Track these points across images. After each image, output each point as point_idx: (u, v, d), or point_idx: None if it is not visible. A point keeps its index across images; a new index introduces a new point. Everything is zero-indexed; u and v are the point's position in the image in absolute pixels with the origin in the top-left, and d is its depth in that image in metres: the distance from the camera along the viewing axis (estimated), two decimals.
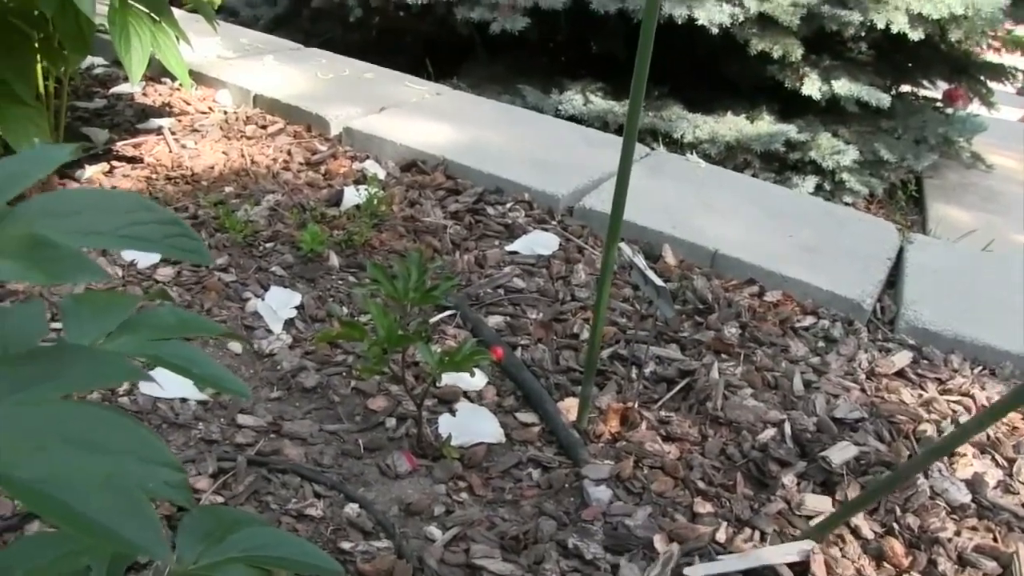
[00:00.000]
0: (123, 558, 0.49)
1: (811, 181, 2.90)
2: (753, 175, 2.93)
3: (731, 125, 2.88)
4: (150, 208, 0.41)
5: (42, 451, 0.33)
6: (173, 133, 1.79)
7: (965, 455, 1.05)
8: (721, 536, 0.87)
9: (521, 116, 1.99)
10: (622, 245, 1.15)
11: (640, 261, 1.04)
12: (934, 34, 2.67)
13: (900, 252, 1.54)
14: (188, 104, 1.97)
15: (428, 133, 1.75)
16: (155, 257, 1.29)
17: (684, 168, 1.80)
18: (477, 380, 1.11)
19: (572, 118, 2.79)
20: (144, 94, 2.02)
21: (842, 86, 2.81)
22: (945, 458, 1.04)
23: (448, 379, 1.10)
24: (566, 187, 1.56)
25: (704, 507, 0.91)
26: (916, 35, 2.65)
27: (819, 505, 0.92)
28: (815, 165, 2.90)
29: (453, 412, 1.06)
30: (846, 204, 2.88)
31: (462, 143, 1.71)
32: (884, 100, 2.79)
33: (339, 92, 1.97)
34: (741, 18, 2.70)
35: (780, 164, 2.95)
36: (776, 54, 2.78)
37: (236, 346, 1.13)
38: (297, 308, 1.21)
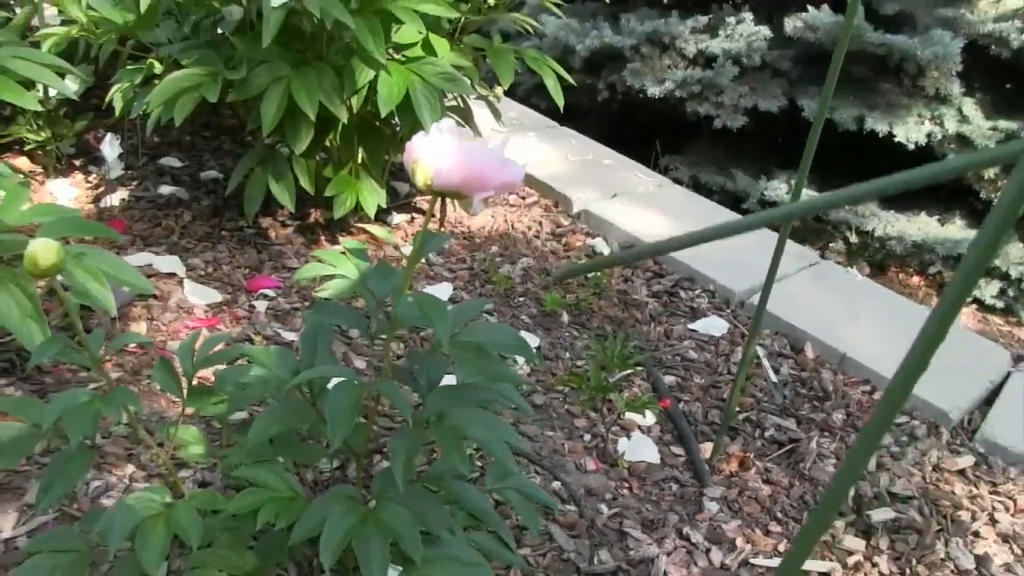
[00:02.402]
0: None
1: (995, 285, 3.21)
2: (937, 272, 3.27)
3: (920, 225, 3.23)
4: (513, 333, 0.97)
5: (479, 425, 0.90)
6: None
7: (986, 539, 1.47)
8: (781, 547, 1.37)
9: (724, 217, 2.48)
10: (758, 349, 1.66)
11: (766, 363, 1.53)
12: None
13: (1008, 376, 1.92)
14: None
15: (646, 223, 2.29)
16: (446, 295, 1.91)
17: (842, 279, 2.24)
18: (649, 419, 1.65)
19: (773, 203, 3.24)
20: None
21: None
22: (969, 537, 1.47)
23: (630, 415, 1.64)
24: (742, 284, 2.06)
25: (776, 528, 1.41)
26: None
27: (853, 544, 1.39)
28: (1001, 271, 3.20)
29: (629, 437, 1.60)
30: None
31: (671, 235, 2.24)
32: None
33: (582, 175, 2.55)
34: (939, 136, 3.05)
35: None
36: (970, 171, 3.09)
37: None
38: (536, 348, 1.79)
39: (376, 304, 0.97)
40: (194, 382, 0.98)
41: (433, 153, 0.83)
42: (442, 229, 2.21)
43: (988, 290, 3.20)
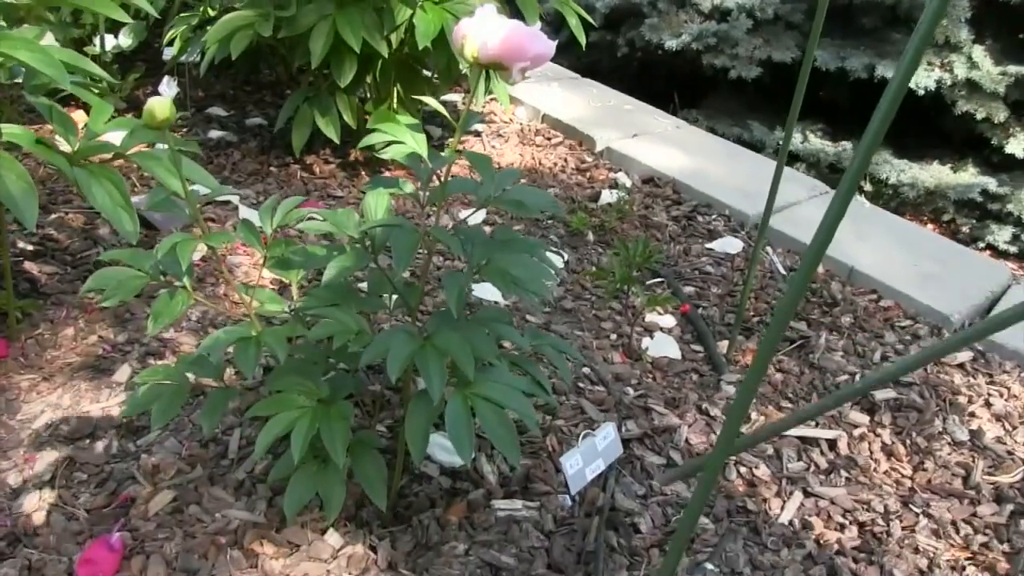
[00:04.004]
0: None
1: (1007, 231, 3.30)
2: (951, 219, 3.37)
3: (933, 173, 3.33)
4: (547, 196, 1.12)
5: (519, 267, 1.04)
6: (485, 136, 2.58)
7: (981, 418, 1.60)
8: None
9: (739, 153, 2.61)
10: (768, 250, 1.79)
11: (776, 259, 1.67)
12: None
13: (1007, 289, 2.04)
14: (495, 115, 2.76)
15: (665, 158, 2.42)
16: (481, 218, 2.06)
17: (851, 205, 2.36)
18: (669, 321, 1.79)
19: (788, 153, 3.35)
20: (464, 103, 2.83)
21: None
22: (966, 416, 1.60)
23: (652, 318, 1.78)
24: (755, 209, 2.19)
25: (787, 405, 1.54)
26: None
27: (858, 419, 1.53)
28: (1014, 217, 3.30)
29: (652, 337, 1.74)
30: None
31: (689, 168, 2.38)
32: None
33: (604, 118, 2.69)
34: (949, 83, 3.15)
35: (981, 212, 3.35)
36: (980, 115, 3.19)
37: None
38: (565, 263, 1.93)
39: (428, 174, 1.11)
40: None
41: (479, 29, 0.97)
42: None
43: (1001, 235, 3.29)
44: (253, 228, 1.10)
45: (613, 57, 3.64)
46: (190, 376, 1.11)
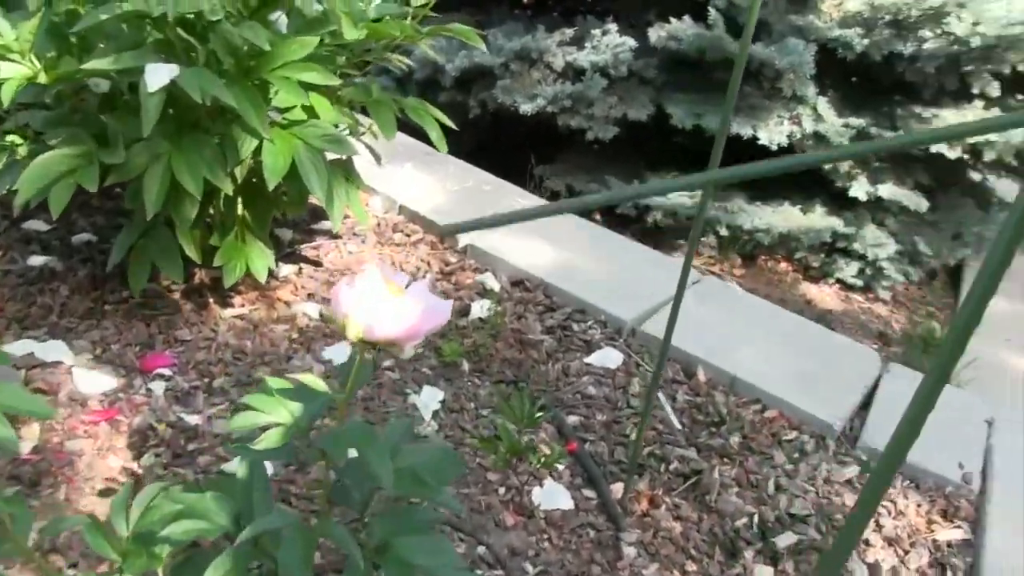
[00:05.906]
0: None
1: (853, 266, 3.43)
2: (801, 258, 3.46)
3: (786, 216, 3.42)
4: (447, 453, 1.01)
5: (424, 553, 0.92)
6: (339, 236, 2.42)
7: (875, 545, 1.61)
8: None
9: (603, 238, 2.56)
10: (660, 396, 1.75)
11: (668, 408, 1.62)
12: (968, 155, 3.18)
13: (878, 379, 2.07)
14: (348, 208, 2.60)
15: (533, 254, 2.34)
16: (345, 355, 1.92)
17: (724, 295, 2.36)
18: (559, 465, 1.71)
19: (647, 207, 3.35)
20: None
21: (887, 190, 3.33)
22: (861, 546, 1.60)
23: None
24: (631, 312, 2.14)
25: (692, 567, 1.50)
26: (953, 154, 3.17)
27: (763, 573, 1.49)
28: (859, 253, 3.43)
29: (542, 485, 1.66)
30: (884, 287, 3.40)
31: (558, 265, 2.30)
32: (923, 205, 3.30)
33: (464, 206, 2.58)
34: (798, 135, 3.22)
35: (828, 249, 3.47)
36: (826, 164, 3.29)
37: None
38: (441, 402, 1.82)
39: (307, 433, 0.98)
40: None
41: (363, 309, 0.85)
42: (331, 277, 2.21)
43: (849, 270, 3.43)
44: (102, 531, 0.94)
45: (465, 117, 3.53)
46: None
